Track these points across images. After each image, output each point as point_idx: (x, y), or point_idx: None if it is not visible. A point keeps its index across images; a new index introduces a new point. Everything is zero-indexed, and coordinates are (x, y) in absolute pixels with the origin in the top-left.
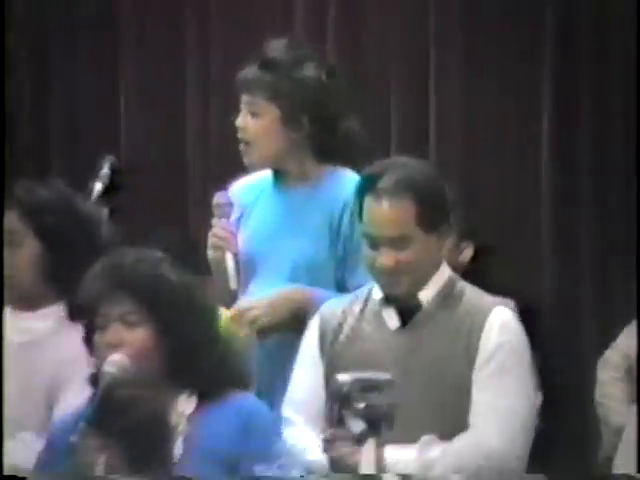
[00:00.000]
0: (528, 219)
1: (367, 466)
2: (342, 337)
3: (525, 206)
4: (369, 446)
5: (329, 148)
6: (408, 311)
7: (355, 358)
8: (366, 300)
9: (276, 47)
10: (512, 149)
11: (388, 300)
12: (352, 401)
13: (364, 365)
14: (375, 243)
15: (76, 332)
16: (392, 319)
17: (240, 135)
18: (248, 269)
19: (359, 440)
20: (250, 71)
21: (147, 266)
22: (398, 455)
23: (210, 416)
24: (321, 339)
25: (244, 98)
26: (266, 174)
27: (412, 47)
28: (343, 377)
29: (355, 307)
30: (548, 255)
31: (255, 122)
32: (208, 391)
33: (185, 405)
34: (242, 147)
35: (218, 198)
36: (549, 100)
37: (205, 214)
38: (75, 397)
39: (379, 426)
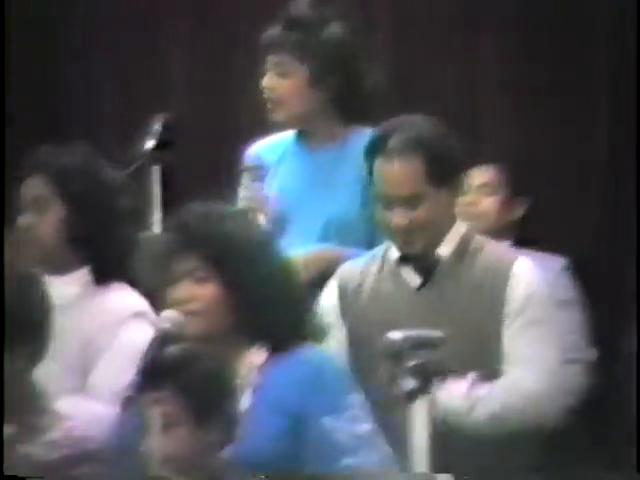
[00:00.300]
0: (582, 179)
1: (420, 423)
2: (362, 298)
3: (579, 167)
4: (421, 403)
5: (355, 107)
6: (427, 268)
7: (377, 319)
8: (383, 260)
9: (300, 6)
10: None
11: (405, 259)
12: (403, 359)
13: (387, 325)
14: (388, 203)
15: (104, 296)
16: (412, 277)
17: (267, 95)
18: (276, 230)
19: (410, 398)
20: (276, 31)
21: (213, 221)
22: (449, 393)
23: (279, 368)
24: (341, 301)
25: (271, 59)
26: (287, 134)
27: None
28: (394, 335)
29: (373, 267)
30: (599, 214)
31: (283, 82)
32: (278, 344)
33: (255, 357)
34: (270, 106)
35: (250, 160)
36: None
37: None
38: (111, 361)
39: (430, 383)
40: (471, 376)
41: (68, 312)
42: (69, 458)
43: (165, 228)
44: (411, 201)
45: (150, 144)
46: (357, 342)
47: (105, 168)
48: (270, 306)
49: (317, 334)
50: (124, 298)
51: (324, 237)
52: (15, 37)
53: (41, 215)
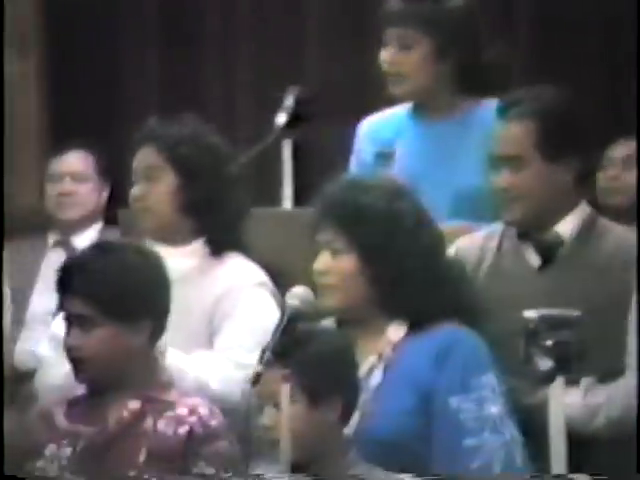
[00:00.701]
0: None
1: (556, 405)
2: (481, 275)
3: None
4: (558, 384)
5: (477, 79)
6: (548, 248)
7: (497, 296)
8: (502, 236)
9: None
10: None
11: (525, 236)
12: (539, 338)
13: (508, 304)
14: (495, 165)
15: (224, 267)
16: (533, 256)
17: (387, 69)
18: None
19: (547, 378)
20: (398, 4)
21: (351, 193)
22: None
23: (415, 345)
24: None
25: (392, 31)
26: (399, 109)
27: None
28: (530, 313)
29: (491, 243)
30: None
31: (406, 55)
32: (417, 320)
33: (393, 333)
34: (391, 80)
35: (373, 142)
36: None
37: None
38: (235, 327)
39: (569, 363)
40: (585, 382)
41: (188, 284)
42: (194, 435)
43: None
44: (515, 163)
45: (282, 118)
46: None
47: (214, 136)
48: (410, 281)
49: (465, 312)
50: (245, 268)
51: (455, 212)
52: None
53: (153, 185)
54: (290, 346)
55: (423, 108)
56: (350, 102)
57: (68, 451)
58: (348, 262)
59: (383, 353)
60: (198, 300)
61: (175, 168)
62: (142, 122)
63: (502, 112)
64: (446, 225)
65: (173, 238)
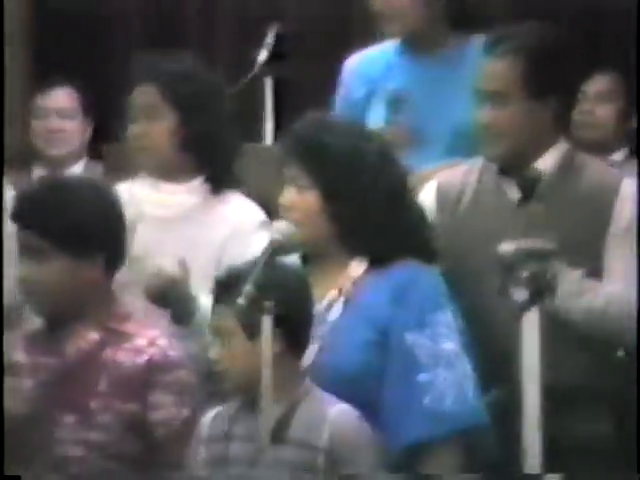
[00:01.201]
0: None
1: (530, 333)
2: (462, 209)
3: None
4: (532, 315)
5: (465, 16)
6: (528, 183)
7: (477, 230)
8: (482, 171)
9: None
10: None
11: (505, 172)
12: (515, 270)
13: (487, 238)
14: (480, 100)
15: (226, 206)
16: (513, 191)
17: (379, 7)
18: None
19: (522, 308)
20: None
21: (316, 132)
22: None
23: (374, 282)
24: (439, 211)
25: None
26: (386, 46)
27: None
28: (506, 246)
29: (471, 178)
30: None
31: None
32: (377, 258)
33: (353, 270)
34: (382, 18)
35: (395, 94)
36: None
37: None
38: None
39: (542, 295)
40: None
41: (192, 222)
42: (153, 364)
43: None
44: (499, 99)
45: (263, 56)
46: (453, 254)
47: (211, 73)
48: (371, 219)
49: (424, 250)
50: (248, 208)
51: (454, 149)
52: None
53: (152, 123)
54: (270, 279)
55: (413, 45)
56: (331, 39)
57: (29, 383)
58: (311, 198)
59: (343, 288)
60: (204, 239)
61: (175, 106)
62: (124, 57)
63: (488, 48)
64: (428, 168)
65: (173, 175)
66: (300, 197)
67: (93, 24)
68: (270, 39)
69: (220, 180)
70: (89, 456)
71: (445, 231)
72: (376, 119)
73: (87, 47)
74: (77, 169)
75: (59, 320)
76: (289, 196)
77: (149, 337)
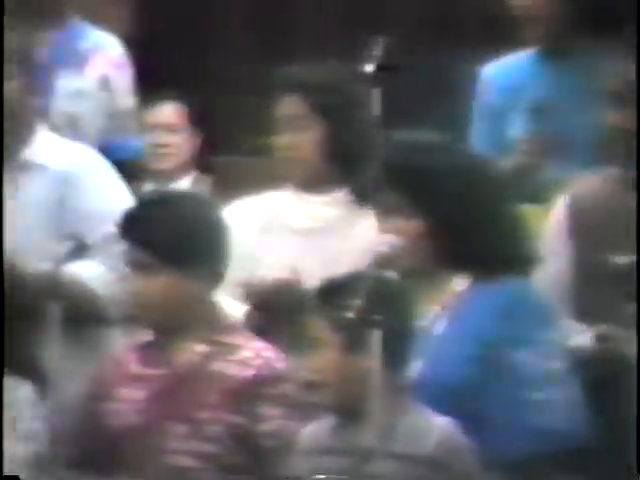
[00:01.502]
0: None
1: None
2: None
3: None
4: None
5: (598, 21)
6: None
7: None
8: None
9: None
10: None
11: None
12: (626, 282)
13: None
14: (607, 103)
15: (366, 217)
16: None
17: (520, 12)
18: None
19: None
20: None
21: (417, 155)
22: None
23: (479, 296)
24: (572, 219)
25: None
26: (521, 54)
27: None
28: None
29: (607, 188)
30: None
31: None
32: (481, 273)
33: (457, 284)
34: (524, 23)
35: (536, 103)
36: None
37: None
38: None
39: None
40: None
41: (333, 234)
42: (259, 377)
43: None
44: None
45: (371, 67)
46: (584, 264)
47: (358, 83)
48: (475, 235)
49: (526, 265)
50: None
51: (595, 157)
52: None
53: (299, 134)
54: (376, 291)
55: (552, 52)
56: (438, 49)
57: (141, 394)
58: (416, 226)
59: (447, 303)
60: (346, 251)
61: (322, 117)
62: (232, 69)
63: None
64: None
65: (317, 187)
66: (405, 224)
67: (198, 36)
68: (378, 50)
69: (364, 192)
70: (199, 467)
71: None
72: (517, 129)
73: (194, 59)
74: (185, 183)
75: (167, 332)
76: (391, 224)
77: (255, 349)
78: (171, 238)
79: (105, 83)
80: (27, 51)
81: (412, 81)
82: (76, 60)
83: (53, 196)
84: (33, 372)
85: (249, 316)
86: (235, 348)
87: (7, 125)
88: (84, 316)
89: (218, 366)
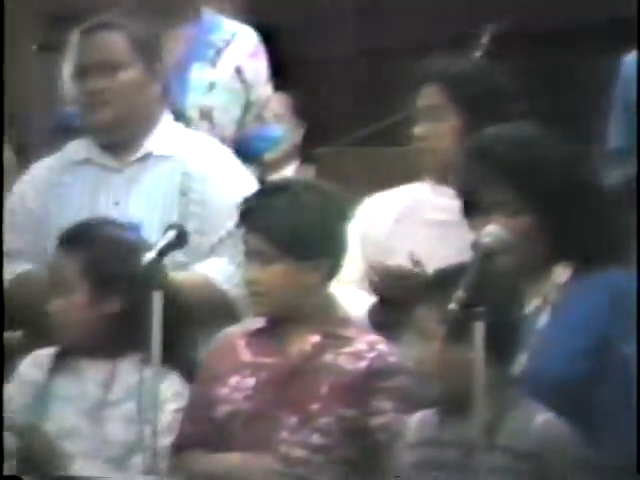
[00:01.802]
0: None
1: None
2: None
3: None
4: None
5: None
6: None
7: None
8: None
9: None
10: None
11: None
12: None
13: None
14: None
15: None
16: None
17: None
18: None
19: None
20: None
21: (519, 149)
22: None
23: (586, 288)
24: None
25: None
26: None
27: None
28: None
29: None
30: None
31: None
32: (584, 263)
33: (558, 276)
34: None
35: None
36: None
37: None
38: None
39: None
40: None
41: (455, 227)
42: (373, 370)
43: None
44: None
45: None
46: None
47: (498, 73)
48: (577, 224)
49: (629, 256)
50: None
51: None
52: None
53: (437, 124)
54: (481, 284)
55: None
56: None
57: (252, 382)
58: (524, 223)
59: (549, 296)
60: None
61: (460, 107)
62: (335, 61)
63: None
64: None
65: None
66: (512, 222)
67: (299, 30)
68: (485, 39)
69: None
70: (311, 458)
71: None
72: None
73: (298, 51)
74: (288, 172)
75: (281, 321)
76: (498, 221)
77: (369, 342)
78: (291, 228)
79: (239, 74)
80: (151, 44)
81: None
82: (210, 52)
83: (174, 187)
84: (183, 364)
85: (372, 306)
86: (349, 340)
87: (128, 115)
88: (216, 317)
89: (331, 358)
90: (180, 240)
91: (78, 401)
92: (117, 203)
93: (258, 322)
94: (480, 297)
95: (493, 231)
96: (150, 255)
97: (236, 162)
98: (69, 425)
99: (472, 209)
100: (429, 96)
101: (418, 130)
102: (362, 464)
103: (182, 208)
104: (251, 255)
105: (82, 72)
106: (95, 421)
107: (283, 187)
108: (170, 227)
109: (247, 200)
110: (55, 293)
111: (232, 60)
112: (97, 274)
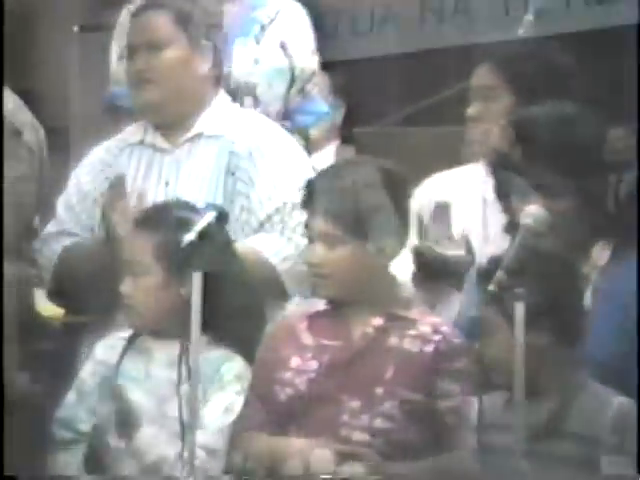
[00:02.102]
0: None
1: None
2: None
3: None
4: None
5: None
6: None
7: None
8: None
9: None
10: None
11: None
12: None
13: None
14: None
15: None
16: None
17: None
18: None
19: None
20: None
21: (561, 129)
22: None
23: (624, 269)
24: None
25: None
26: None
27: None
28: None
29: None
30: None
31: None
32: (624, 243)
33: (599, 256)
34: None
35: None
36: None
37: None
38: None
39: None
40: None
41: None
42: (439, 352)
43: None
44: None
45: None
46: None
47: (557, 53)
48: (617, 204)
49: None
50: None
51: None
52: None
53: (489, 104)
54: (524, 264)
55: None
56: None
57: (314, 364)
58: (566, 205)
59: (590, 276)
60: None
61: (514, 87)
62: (371, 41)
63: None
64: None
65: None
66: (552, 203)
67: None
68: (531, 17)
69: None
70: (374, 442)
71: None
72: None
73: (333, 32)
74: (329, 152)
75: (345, 304)
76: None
77: (433, 324)
78: (356, 209)
79: (284, 49)
80: (197, 21)
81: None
82: (254, 29)
83: (221, 166)
84: (246, 346)
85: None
86: (412, 322)
87: (176, 94)
88: (265, 292)
89: (395, 341)
90: (220, 221)
91: (145, 381)
92: (167, 184)
93: (319, 304)
94: (521, 278)
95: (534, 212)
96: (189, 237)
97: (287, 138)
98: (135, 405)
99: (508, 190)
100: (483, 76)
101: (472, 110)
102: (426, 448)
103: (229, 187)
104: (316, 237)
105: (130, 52)
106: (161, 401)
107: (346, 168)
108: (208, 207)
109: (310, 182)
110: (129, 274)
111: (277, 36)
112: (171, 256)
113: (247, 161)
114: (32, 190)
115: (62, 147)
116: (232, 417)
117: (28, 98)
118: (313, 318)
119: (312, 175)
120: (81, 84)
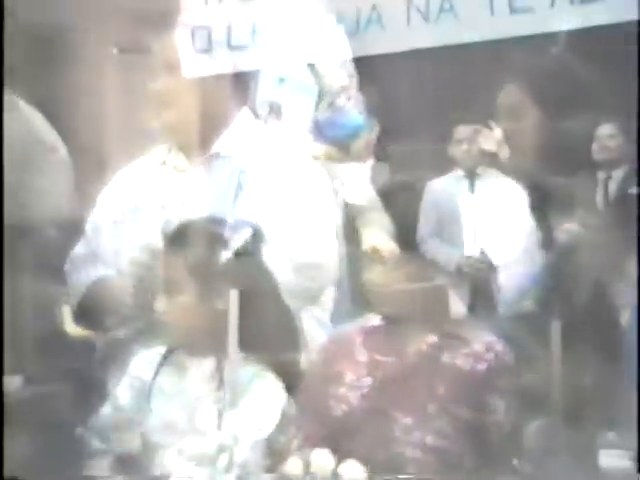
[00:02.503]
0: None
1: None
2: None
3: None
4: None
5: None
6: None
7: None
8: None
9: None
10: None
11: None
12: None
13: None
14: None
15: None
16: None
17: None
18: None
19: None
20: None
21: None
22: None
23: None
24: None
25: None
26: None
27: None
28: None
29: None
30: None
31: None
32: None
33: (633, 271)
34: None
35: None
36: None
37: None
38: None
39: None
40: None
41: None
42: (492, 371)
43: None
44: None
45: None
46: None
47: (582, 69)
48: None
49: None
50: None
51: None
52: None
53: (519, 122)
54: (560, 280)
55: None
56: None
57: (368, 380)
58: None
59: (626, 292)
60: None
61: (542, 105)
62: (403, 60)
63: None
64: None
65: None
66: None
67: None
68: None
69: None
70: (426, 459)
71: None
72: None
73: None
74: (363, 169)
75: (398, 320)
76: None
77: (486, 342)
78: (411, 226)
79: (311, 67)
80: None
81: None
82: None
83: (232, 186)
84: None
85: None
86: (465, 341)
87: (193, 115)
88: None
89: (448, 359)
90: (256, 238)
91: (180, 397)
92: (182, 204)
93: (374, 320)
94: (558, 295)
95: (571, 229)
96: (226, 255)
97: (303, 158)
98: (168, 420)
99: (544, 206)
100: (510, 94)
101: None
102: (477, 467)
103: (239, 207)
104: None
105: (152, 74)
106: (193, 417)
107: (406, 186)
108: (242, 224)
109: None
110: (163, 291)
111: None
112: (205, 273)
113: (255, 180)
114: (70, 205)
115: (97, 166)
116: (266, 433)
117: (61, 116)
118: (368, 334)
119: (328, 194)
120: (118, 105)
